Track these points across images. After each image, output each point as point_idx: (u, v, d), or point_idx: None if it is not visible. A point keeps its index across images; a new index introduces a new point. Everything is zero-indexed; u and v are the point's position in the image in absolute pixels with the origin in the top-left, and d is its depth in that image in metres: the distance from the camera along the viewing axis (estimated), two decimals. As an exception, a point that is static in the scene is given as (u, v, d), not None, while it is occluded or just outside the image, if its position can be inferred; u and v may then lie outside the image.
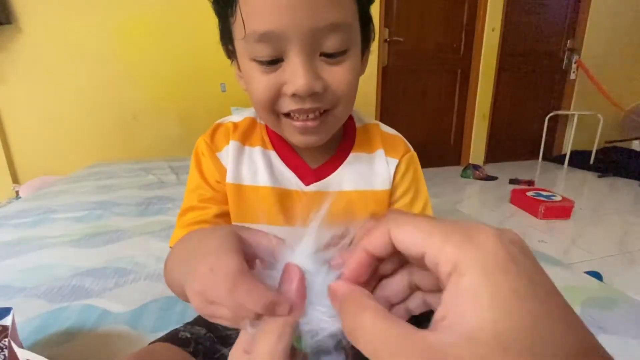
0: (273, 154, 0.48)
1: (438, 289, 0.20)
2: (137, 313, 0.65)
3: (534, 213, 1.85)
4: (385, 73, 2.73)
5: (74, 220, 1.11)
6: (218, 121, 0.51)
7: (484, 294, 0.15)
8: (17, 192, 2.06)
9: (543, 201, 1.83)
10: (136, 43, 2.11)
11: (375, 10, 2.52)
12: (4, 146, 2.06)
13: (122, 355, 0.55)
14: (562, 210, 1.83)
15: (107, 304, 0.67)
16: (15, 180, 2.13)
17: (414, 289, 0.23)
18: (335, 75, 0.37)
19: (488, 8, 2.79)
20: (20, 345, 0.43)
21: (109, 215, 1.16)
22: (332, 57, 0.36)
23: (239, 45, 0.38)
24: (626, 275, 1.29)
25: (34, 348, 0.55)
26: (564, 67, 3.23)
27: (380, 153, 0.50)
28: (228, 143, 0.48)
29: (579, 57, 3.11)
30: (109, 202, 1.28)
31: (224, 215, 0.48)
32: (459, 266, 0.16)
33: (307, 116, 0.38)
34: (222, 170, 0.47)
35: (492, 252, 0.16)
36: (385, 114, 2.80)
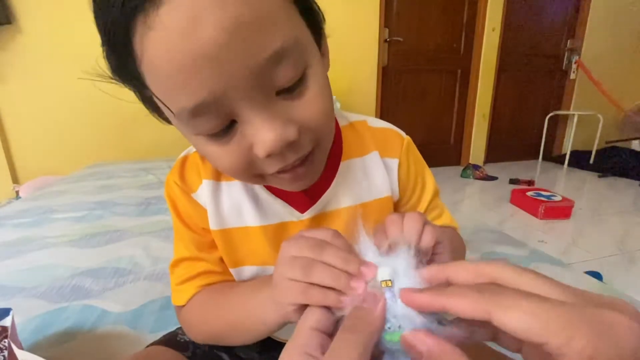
0: (257, 187, 0.41)
1: (514, 349, 0.20)
2: (137, 313, 0.65)
3: (534, 213, 1.85)
4: (385, 73, 2.73)
5: (74, 220, 1.11)
6: (182, 154, 0.44)
7: None
8: (17, 192, 2.06)
9: (543, 201, 1.83)
10: (136, 43, 2.11)
11: (375, 10, 2.52)
12: (4, 146, 2.06)
13: (121, 355, 0.55)
14: (562, 210, 1.83)
15: (106, 304, 0.67)
16: (15, 180, 2.13)
17: (492, 340, 0.22)
18: (305, 109, 0.29)
19: (488, 8, 2.79)
20: (20, 346, 0.43)
21: (109, 215, 1.16)
22: (292, 90, 0.28)
23: (172, 120, 0.30)
24: (626, 275, 1.28)
25: (34, 348, 0.55)
26: (564, 67, 3.23)
27: (374, 155, 0.45)
28: (201, 181, 0.41)
29: (579, 57, 3.11)
30: (109, 202, 1.28)
31: (222, 260, 0.43)
32: None
33: (293, 166, 0.31)
34: (203, 213, 0.41)
35: (630, 349, 0.14)
36: (385, 114, 2.80)
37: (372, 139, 0.45)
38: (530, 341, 0.16)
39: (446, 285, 0.21)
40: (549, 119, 3.11)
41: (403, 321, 0.21)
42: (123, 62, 0.26)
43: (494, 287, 0.18)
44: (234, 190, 0.41)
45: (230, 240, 0.41)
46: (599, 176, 2.72)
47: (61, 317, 0.63)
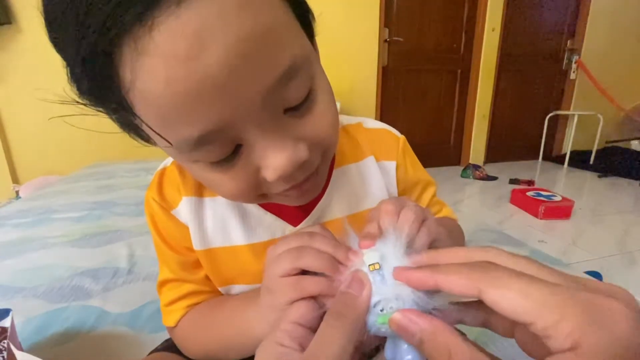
0: None
1: (507, 334, 0.20)
2: (136, 314, 0.64)
3: (534, 213, 1.85)
4: (385, 73, 2.73)
5: (74, 220, 1.11)
6: (160, 168, 0.41)
7: None
8: (17, 192, 2.06)
9: (543, 201, 1.83)
10: (136, 43, 2.11)
11: (375, 10, 2.52)
12: (4, 146, 2.06)
13: (121, 356, 0.55)
14: (562, 210, 1.83)
15: (106, 304, 0.67)
16: (15, 180, 2.13)
17: (484, 326, 0.22)
18: (313, 125, 0.26)
19: (488, 8, 2.79)
20: (19, 347, 0.43)
21: (109, 215, 1.16)
22: (300, 106, 0.25)
23: (165, 149, 0.27)
24: (626, 275, 1.28)
25: (33, 349, 0.55)
26: (564, 67, 3.23)
27: (370, 161, 0.42)
28: (182, 198, 0.38)
29: (579, 57, 3.11)
30: (109, 202, 1.28)
31: (207, 279, 0.41)
32: (581, 347, 0.14)
33: (301, 184, 0.29)
34: (184, 231, 0.38)
35: (624, 339, 0.14)
36: (385, 114, 2.80)
37: (367, 143, 0.43)
38: (517, 320, 0.16)
39: None
40: (549, 119, 3.11)
41: (395, 303, 0.21)
42: (102, 90, 0.22)
43: (486, 265, 0.18)
44: (218, 206, 0.38)
45: (216, 260, 0.38)
46: (599, 176, 2.72)
47: (61, 318, 0.63)
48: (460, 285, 0.18)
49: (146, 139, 0.28)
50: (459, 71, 2.98)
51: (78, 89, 0.24)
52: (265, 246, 0.37)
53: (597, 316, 0.14)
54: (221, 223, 0.38)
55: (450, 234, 0.44)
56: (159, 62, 0.19)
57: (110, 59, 0.20)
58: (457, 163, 3.17)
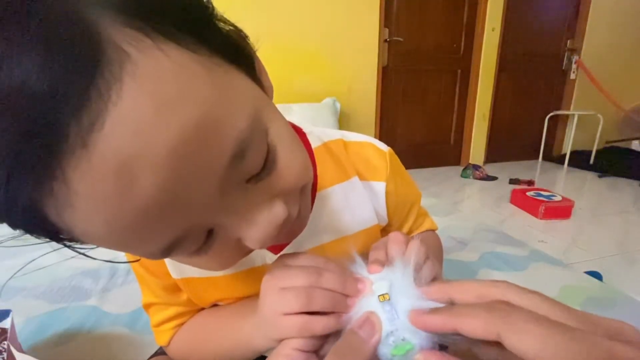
0: None
1: None
2: (136, 315, 0.64)
3: (534, 213, 1.85)
4: (385, 73, 2.73)
5: (73, 221, 1.11)
6: None
7: None
8: (17, 192, 2.06)
9: (543, 201, 1.83)
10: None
11: (375, 10, 2.52)
12: (4, 146, 2.06)
13: (120, 356, 0.55)
14: (562, 210, 1.83)
15: (106, 305, 0.67)
16: (15, 180, 2.12)
17: None
18: (283, 179, 0.24)
19: (488, 8, 2.79)
20: (19, 348, 0.43)
21: (109, 215, 1.16)
22: (262, 171, 0.22)
23: None
24: (626, 275, 1.28)
25: (33, 349, 0.55)
26: (564, 67, 3.23)
27: (354, 182, 0.39)
28: None
29: (579, 57, 3.11)
30: (109, 203, 1.28)
31: (191, 300, 0.40)
32: None
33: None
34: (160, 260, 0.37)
35: None
36: (385, 114, 2.80)
37: (350, 161, 0.40)
38: None
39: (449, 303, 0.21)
40: (549, 119, 3.11)
41: (407, 334, 0.21)
42: (44, 234, 0.20)
43: (504, 307, 0.18)
44: None
45: (196, 288, 0.37)
46: (599, 176, 2.72)
47: (61, 318, 0.63)
48: (479, 329, 0.18)
49: None
50: (459, 71, 2.98)
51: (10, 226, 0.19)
52: (245, 275, 0.36)
53: None
54: None
55: (435, 252, 0.46)
56: (90, 209, 0.17)
57: (36, 217, 0.17)
58: (457, 163, 3.17)
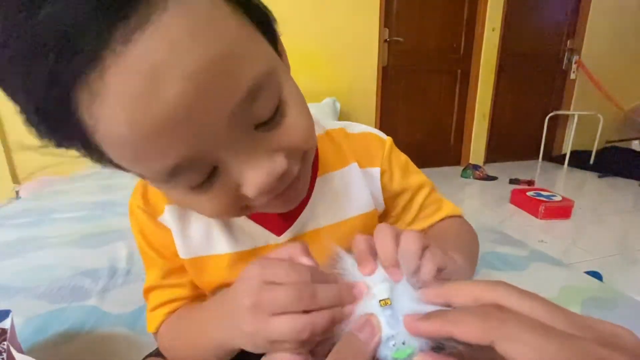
0: None
1: None
2: (136, 315, 0.64)
3: (534, 213, 1.85)
4: (385, 73, 2.73)
5: (74, 220, 1.11)
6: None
7: None
8: (17, 192, 2.06)
9: (543, 201, 1.83)
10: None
11: (375, 10, 2.52)
12: (4, 146, 2.06)
13: (120, 356, 0.55)
14: (562, 210, 1.83)
15: (106, 305, 0.67)
16: (15, 180, 2.13)
17: None
18: (287, 135, 0.26)
19: (488, 8, 2.79)
20: (19, 348, 0.43)
21: (109, 215, 1.16)
22: (271, 120, 0.25)
23: (139, 176, 0.28)
24: (626, 275, 1.28)
25: (33, 349, 0.55)
26: (564, 67, 3.23)
27: (353, 168, 0.41)
28: (164, 206, 0.38)
29: (579, 57, 3.11)
30: (109, 202, 1.28)
31: (194, 284, 0.40)
32: None
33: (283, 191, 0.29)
34: (172, 237, 0.38)
35: None
36: (385, 114, 2.80)
37: (351, 149, 0.42)
38: None
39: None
40: (549, 119, 3.11)
41: (405, 337, 0.21)
42: (64, 136, 0.22)
43: (498, 314, 0.18)
44: (201, 215, 0.36)
45: (202, 268, 0.38)
46: (599, 176, 2.72)
47: (60, 318, 0.63)
48: (473, 336, 0.18)
49: (121, 168, 0.27)
50: (459, 71, 2.98)
51: (37, 134, 0.22)
52: (249, 255, 0.38)
53: None
54: (205, 231, 0.38)
55: (457, 241, 0.42)
56: (117, 105, 0.19)
57: (67, 107, 0.19)
58: (457, 163, 3.17)
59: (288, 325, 0.22)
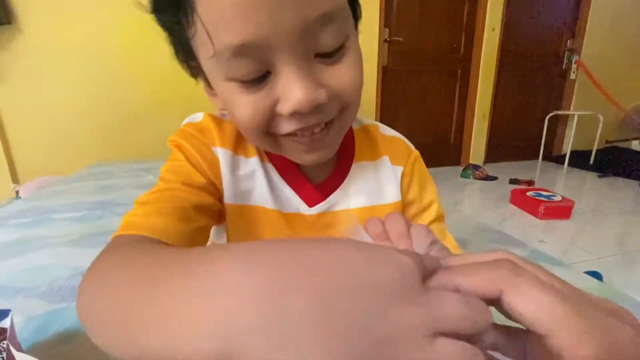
0: (271, 168, 0.40)
1: None
2: (137, 313, 0.64)
3: (534, 213, 1.85)
4: (385, 73, 2.73)
5: (74, 220, 1.11)
6: (189, 120, 0.40)
7: None
8: (17, 192, 2.06)
9: (543, 201, 1.83)
10: (136, 43, 2.11)
11: (375, 10, 2.52)
12: (4, 146, 2.06)
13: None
14: (562, 210, 1.83)
15: (106, 304, 0.67)
16: (15, 180, 2.13)
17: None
18: (339, 76, 0.29)
19: (488, 8, 2.79)
20: (19, 348, 0.43)
21: (109, 215, 1.16)
22: (330, 55, 0.28)
23: (207, 63, 0.30)
24: (626, 275, 1.28)
25: (33, 349, 0.55)
26: (564, 67, 3.23)
27: (384, 160, 0.44)
28: (218, 147, 0.38)
29: (579, 57, 3.11)
30: (109, 202, 1.28)
31: (203, 211, 0.35)
32: None
33: (312, 131, 0.31)
34: (217, 171, 0.37)
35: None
36: (385, 114, 2.80)
37: (384, 145, 0.45)
38: (532, 329, 0.16)
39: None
40: (549, 119, 3.11)
41: None
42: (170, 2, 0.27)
43: (507, 264, 0.17)
44: (250, 166, 0.39)
45: (244, 217, 0.39)
46: (599, 176, 2.72)
47: (60, 318, 0.63)
48: (481, 285, 0.17)
49: (193, 68, 0.33)
50: (459, 71, 2.98)
51: (153, 6, 0.30)
52: (286, 216, 0.39)
53: (613, 343, 0.15)
54: (252, 184, 0.39)
55: None
56: None
57: None
58: (457, 163, 3.17)
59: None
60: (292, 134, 0.31)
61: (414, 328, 0.13)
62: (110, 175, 1.68)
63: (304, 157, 0.34)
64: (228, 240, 0.40)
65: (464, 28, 2.87)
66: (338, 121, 0.32)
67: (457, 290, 0.17)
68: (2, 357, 0.36)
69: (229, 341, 0.13)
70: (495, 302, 0.17)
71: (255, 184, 0.39)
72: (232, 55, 0.26)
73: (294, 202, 0.40)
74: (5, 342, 0.37)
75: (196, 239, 0.33)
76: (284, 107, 0.28)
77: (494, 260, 0.18)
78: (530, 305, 0.16)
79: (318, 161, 0.34)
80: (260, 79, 0.28)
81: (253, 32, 0.25)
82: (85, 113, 2.13)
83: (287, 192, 0.40)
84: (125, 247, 0.28)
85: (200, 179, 0.36)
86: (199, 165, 0.36)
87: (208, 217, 0.36)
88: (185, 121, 0.40)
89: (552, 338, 0.15)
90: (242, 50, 0.26)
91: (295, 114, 0.28)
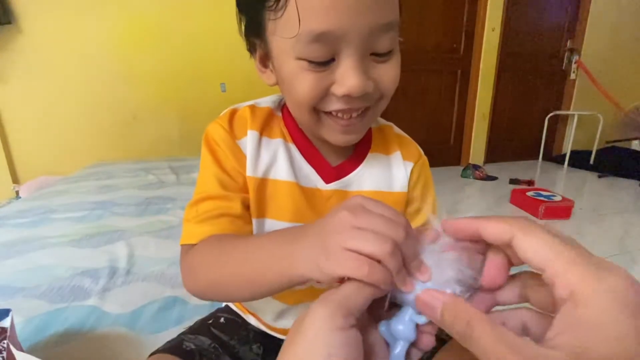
0: (294, 148, 0.45)
1: (547, 307, 0.21)
2: (136, 314, 0.64)
3: (534, 213, 1.85)
4: (385, 73, 2.73)
5: (74, 220, 1.11)
6: (233, 107, 0.47)
7: (610, 331, 0.15)
8: (17, 192, 2.06)
9: (543, 201, 1.83)
10: (136, 43, 2.11)
11: (375, 10, 2.52)
12: (4, 146, 2.06)
13: (120, 356, 0.55)
14: (562, 210, 1.83)
15: (106, 305, 0.67)
16: (15, 180, 2.13)
17: (523, 300, 0.23)
18: (384, 73, 0.36)
19: (488, 8, 2.79)
20: (19, 347, 0.43)
21: (109, 215, 1.16)
22: (382, 55, 0.35)
23: (282, 42, 0.35)
24: (626, 276, 1.28)
25: (33, 349, 0.55)
26: (564, 67, 3.23)
27: (397, 155, 0.50)
28: (246, 134, 0.44)
29: (579, 57, 3.11)
30: (109, 202, 1.28)
31: (247, 208, 0.43)
32: (576, 295, 0.16)
33: (351, 115, 0.37)
34: (242, 160, 0.43)
35: (622, 292, 0.16)
36: (385, 114, 2.75)
37: (397, 143, 0.51)
38: (532, 266, 0.18)
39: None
40: (549, 119, 3.11)
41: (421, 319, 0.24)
42: None
43: (524, 219, 0.20)
44: (273, 145, 0.45)
45: (264, 189, 0.44)
46: (599, 176, 2.72)
47: (60, 318, 0.63)
48: (497, 229, 0.20)
49: (252, 47, 0.41)
50: (459, 71, 2.98)
51: None
52: (302, 190, 0.44)
53: (601, 273, 0.16)
54: (273, 160, 0.44)
55: None
56: None
57: None
58: (457, 163, 3.17)
59: (354, 258, 0.23)
60: (334, 114, 0.37)
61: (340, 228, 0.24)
62: (110, 175, 1.68)
63: (338, 137, 0.40)
64: (251, 209, 0.44)
65: (464, 28, 2.87)
66: (372, 110, 0.39)
67: (477, 233, 0.21)
68: (3, 357, 0.36)
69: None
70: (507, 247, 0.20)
71: (276, 160, 0.44)
72: (312, 39, 0.32)
73: (313, 178, 0.45)
74: (5, 341, 0.37)
75: (244, 229, 0.42)
76: (339, 90, 0.34)
77: (512, 216, 0.21)
78: (534, 243, 0.18)
79: (348, 143, 0.40)
80: (325, 62, 0.34)
81: (334, 25, 0.31)
82: (86, 113, 2.14)
83: (307, 169, 0.45)
84: (211, 238, 0.38)
85: (227, 175, 0.43)
86: (227, 161, 0.43)
87: (244, 192, 0.43)
88: (229, 108, 0.46)
89: (546, 272, 0.18)
90: (320, 37, 0.32)
91: (345, 97, 0.35)
